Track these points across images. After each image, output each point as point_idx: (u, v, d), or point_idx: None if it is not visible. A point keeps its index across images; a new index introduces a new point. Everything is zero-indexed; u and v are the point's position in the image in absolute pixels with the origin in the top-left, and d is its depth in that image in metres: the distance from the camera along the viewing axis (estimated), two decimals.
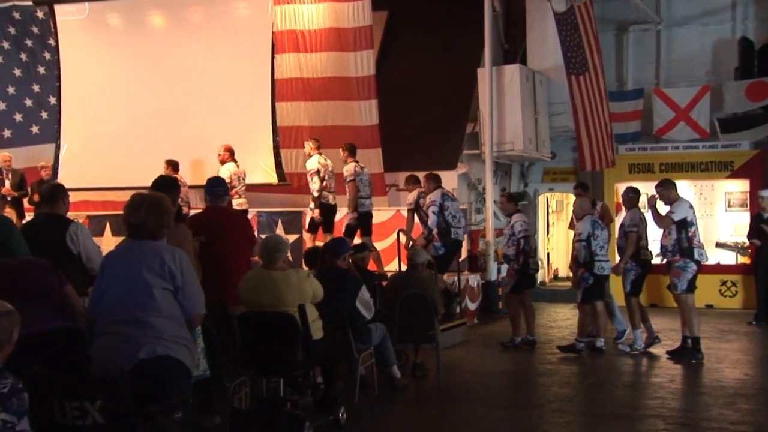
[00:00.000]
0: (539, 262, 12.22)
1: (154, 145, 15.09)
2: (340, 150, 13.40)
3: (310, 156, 13.35)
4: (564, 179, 18.29)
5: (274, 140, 15.31)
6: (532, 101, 16.59)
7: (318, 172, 13.07)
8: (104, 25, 16.67)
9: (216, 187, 8.09)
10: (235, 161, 13.89)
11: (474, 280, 14.48)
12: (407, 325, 9.17)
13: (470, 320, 13.71)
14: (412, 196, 13.40)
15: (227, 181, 13.02)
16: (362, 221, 13.12)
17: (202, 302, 5.17)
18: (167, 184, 7.21)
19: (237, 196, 13.49)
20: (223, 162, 13.87)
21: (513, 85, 16.10)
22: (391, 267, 13.47)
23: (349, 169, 13.04)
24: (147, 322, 4.88)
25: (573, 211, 12.14)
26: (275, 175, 15.26)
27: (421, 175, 13.13)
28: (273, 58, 15.55)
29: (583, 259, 11.16)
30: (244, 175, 13.96)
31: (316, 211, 13.10)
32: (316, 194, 13.06)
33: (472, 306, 14.22)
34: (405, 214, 13.85)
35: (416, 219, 13.43)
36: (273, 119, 15.40)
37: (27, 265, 5.39)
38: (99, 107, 16.36)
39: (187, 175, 14.48)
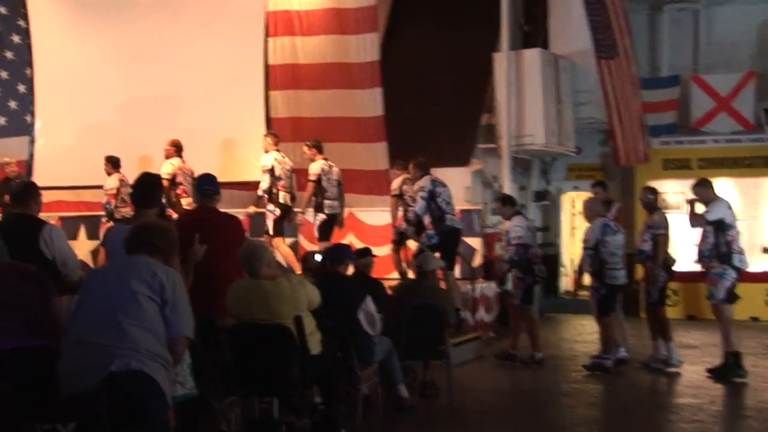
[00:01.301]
0: (545, 270, 12.28)
1: (135, 139, 15.11)
2: (305, 147, 13.75)
3: (266, 152, 13.59)
4: (590, 176, 18.23)
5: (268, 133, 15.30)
6: (555, 89, 16.60)
7: (272, 170, 13.30)
8: (80, 5, 16.68)
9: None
10: (181, 157, 14.06)
11: (489, 288, 14.46)
12: (415, 338, 9.18)
13: (485, 333, 13.73)
14: (397, 182, 13.54)
15: (166, 177, 13.36)
16: (329, 225, 13.30)
17: (191, 325, 5.18)
18: (152, 183, 7.22)
19: (185, 195, 13.60)
20: (168, 157, 14.04)
21: (533, 72, 16.12)
22: (396, 275, 13.49)
23: (315, 167, 13.36)
24: (124, 331, 4.88)
25: (582, 212, 12.18)
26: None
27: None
28: (266, 41, 15.55)
29: (588, 268, 11.19)
30: (192, 172, 14.01)
31: (320, 217, 13.30)
32: (260, 193, 13.36)
33: (487, 317, 14.22)
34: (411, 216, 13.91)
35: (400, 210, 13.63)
36: (266, 110, 15.42)
37: (8, 271, 5.40)
38: (74, 96, 16.36)
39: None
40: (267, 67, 15.56)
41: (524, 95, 16.14)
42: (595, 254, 11.13)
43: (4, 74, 17.55)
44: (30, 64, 16.83)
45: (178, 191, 13.68)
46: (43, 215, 7.32)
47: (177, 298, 5.09)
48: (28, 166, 16.45)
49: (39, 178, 15.36)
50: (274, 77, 15.77)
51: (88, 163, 15.40)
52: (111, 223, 14.20)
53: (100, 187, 14.70)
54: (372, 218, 14.92)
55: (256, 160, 14.35)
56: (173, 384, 5.22)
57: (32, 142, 16.74)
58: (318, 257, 9.75)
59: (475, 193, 16.23)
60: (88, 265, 13.99)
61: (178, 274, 5.26)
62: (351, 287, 8.39)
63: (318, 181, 13.37)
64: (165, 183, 13.37)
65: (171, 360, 5.04)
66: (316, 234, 13.45)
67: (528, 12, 18.44)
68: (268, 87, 15.55)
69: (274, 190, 13.37)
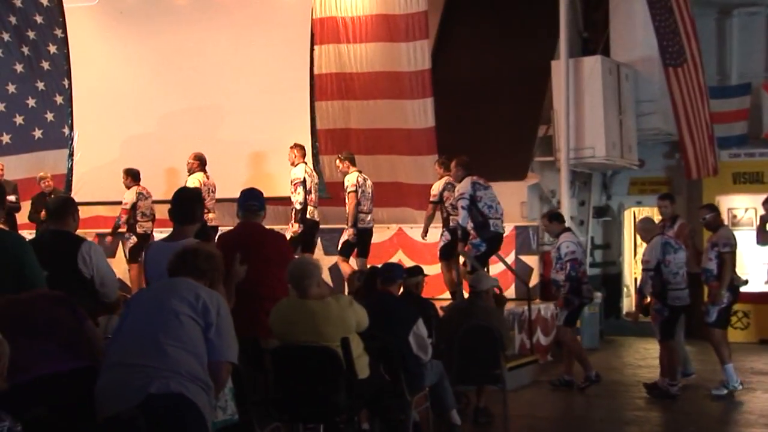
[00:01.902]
0: (592, 290, 12.30)
1: (176, 152, 15.20)
2: (337, 160, 13.85)
3: (294, 165, 13.61)
4: (654, 191, 18.10)
5: (313, 145, 15.33)
6: (616, 99, 16.50)
7: (303, 182, 13.29)
8: (118, 13, 16.82)
9: (249, 201, 8.07)
10: (204, 171, 14.13)
11: (547, 309, 14.38)
12: (468, 362, 9.16)
13: (542, 357, 13.66)
14: (437, 187, 13.45)
15: None
16: (360, 239, 13.31)
17: (235, 350, 5.21)
18: (192, 198, 7.25)
19: (208, 211, 13.69)
20: (191, 171, 14.13)
21: (593, 80, 16.04)
22: (447, 295, 13.47)
23: (351, 179, 13.36)
24: (165, 351, 4.91)
25: (637, 231, 12.15)
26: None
27: None
28: (312, 49, 15.61)
29: (649, 291, 11.13)
30: (214, 187, 14.09)
31: (351, 231, 13.31)
32: (298, 207, 13.31)
33: (544, 340, 14.15)
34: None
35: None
36: (312, 121, 15.47)
37: (38, 298, 5.49)
38: (113, 108, 16.43)
39: (216, 186, 14.60)
40: (313, 77, 15.58)
41: (584, 105, 16.06)
42: (656, 275, 11.06)
43: (41, 85, 17.76)
44: (68, 75, 16.93)
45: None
46: (80, 232, 7.40)
47: (221, 322, 5.11)
48: (66, 180, 16.58)
49: (77, 193, 15.58)
50: (321, 87, 15.82)
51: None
52: (111, 238, 14.49)
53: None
54: (434, 235, 14.94)
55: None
56: (214, 409, 5.25)
57: (70, 155, 16.83)
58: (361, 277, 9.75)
59: (531, 209, 16.17)
60: (126, 284, 14.12)
61: (222, 298, 5.30)
62: (402, 309, 8.38)
63: (356, 192, 13.40)
64: None
65: (212, 385, 5.06)
66: (338, 248, 13.44)
67: (587, 18, 18.36)
68: (314, 97, 15.55)
69: (308, 205, 13.41)
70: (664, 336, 11.25)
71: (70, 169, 16.72)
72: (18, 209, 15.08)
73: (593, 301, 12.97)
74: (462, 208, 12.24)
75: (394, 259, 13.47)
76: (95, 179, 15.89)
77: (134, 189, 14.63)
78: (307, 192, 13.36)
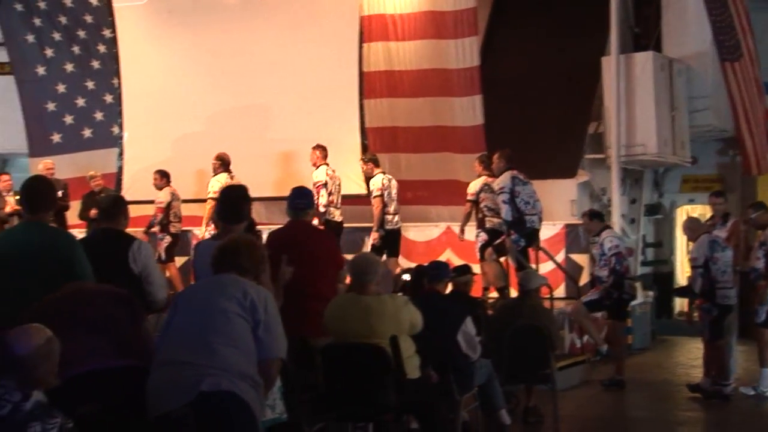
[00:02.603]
0: (635, 286, 12.36)
1: (226, 151, 15.28)
2: (361, 162, 14.12)
3: (316, 166, 13.78)
4: (707, 188, 17.89)
5: (362, 144, 15.38)
6: (669, 95, 16.37)
7: (325, 184, 13.44)
8: (167, 12, 16.94)
9: (296, 199, 8.10)
10: (229, 172, 14.25)
11: None
12: (517, 362, 9.14)
13: (593, 357, 13.59)
14: (474, 186, 13.42)
15: (213, 196, 13.68)
16: (388, 240, 13.35)
17: (284, 346, 5.25)
18: (240, 197, 7.30)
19: None
20: (215, 172, 14.30)
21: (645, 77, 15.93)
22: (496, 294, 13.46)
23: (376, 182, 13.60)
24: (215, 350, 4.96)
25: (683, 231, 12.10)
26: (363, 185, 15.32)
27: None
28: (360, 47, 15.64)
29: (699, 288, 11.04)
30: None
31: (376, 235, 13.45)
32: (322, 209, 13.39)
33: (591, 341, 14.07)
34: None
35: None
36: (361, 119, 15.51)
37: (100, 293, 5.57)
38: (162, 107, 16.58)
39: (267, 186, 14.68)
40: (362, 75, 15.61)
41: (635, 102, 15.95)
42: (705, 273, 10.98)
43: (91, 84, 17.92)
44: (117, 74, 17.09)
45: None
46: (129, 230, 7.49)
47: (269, 319, 5.15)
48: (116, 179, 16.74)
49: (126, 192, 15.73)
50: (369, 85, 15.84)
51: (176, 177, 15.60)
52: (147, 237, 14.54)
53: (191, 201, 14.95)
54: (471, 233, 14.89)
55: (352, 173, 14.48)
56: (263, 407, 5.29)
57: (120, 154, 16.99)
58: (406, 276, 9.76)
59: (581, 207, 16.04)
60: (173, 283, 14.25)
61: (269, 294, 5.33)
62: (450, 307, 8.39)
63: (380, 196, 13.52)
64: (213, 203, 13.76)
65: (261, 382, 5.10)
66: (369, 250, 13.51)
67: (639, 13, 18.20)
68: (362, 95, 15.59)
69: (329, 207, 13.50)
70: (713, 335, 11.16)
71: (120, 168, 16.87)
72: (67, 208, 15.21)
73: (635, 297, 12.90)
74: (503, 203, 12.32)
75: (442, 258, 13.45)
76: (144, 178, 16.00)
77: (167, 189, 14.82)
78: (329, 193, 13.43)
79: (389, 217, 13.62)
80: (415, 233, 15.45)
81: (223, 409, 4.89)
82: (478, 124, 15.45)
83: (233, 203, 7.18)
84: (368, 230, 14.94)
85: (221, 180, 14.06)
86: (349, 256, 8.16)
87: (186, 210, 15.20)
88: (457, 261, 12.98)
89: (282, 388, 5.65)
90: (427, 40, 15.79)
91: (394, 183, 13.82)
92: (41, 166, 15.52)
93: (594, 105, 16.69)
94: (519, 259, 12.34)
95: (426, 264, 9.50)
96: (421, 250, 14.82)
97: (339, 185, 13.99)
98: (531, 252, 13.22)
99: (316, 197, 13.31)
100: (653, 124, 15.84)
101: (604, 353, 12.09)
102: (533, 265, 12.92)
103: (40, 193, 6.38)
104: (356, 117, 15.50)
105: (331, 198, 13.55)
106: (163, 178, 14.96)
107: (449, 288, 9.36)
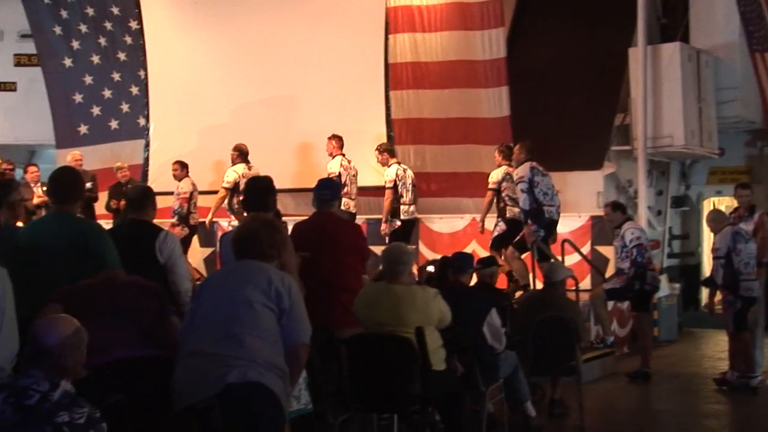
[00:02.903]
0: (657, 277, 12.38)
1: (251, 142, 15.32)
2: (376, 152, 14.01)
3: (332, 156, 13.89)
4: (734, 180, 17.82)
5: (388, 135, 15.39)
6: (696, 86, 16.31)
7: (339, 175, 13.52)
8: (193, 3, 17.00)
9: (321, 190, 8.13)
10: (247, 162, 14.29)
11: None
12: (543, 354, 9.14)
13: (619, 349, 13.56)
14: (496, 175, 13.29)
15: (227, 185, 13.85)
16: (405, 230, 13.37)
17: (308, 331, 5.24)
18: (265, 188, 7.33)
19: None
20: (233, 163, 14.34)
21: (672, 68, 15.88)
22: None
23: (390, 173, 13.60)
24: (242, 341, 4.97)
25: (706, 223, 12.07)
26: None
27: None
28: (386, 39, 15.64)
29: (722, 280, 11.00)
30: None
31: (385, 226, 13.52)
32: None
33: (621, 332, 14.06)
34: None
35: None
36: (387, 111, 15.52)
37: (129, 284, 5.63)
38: (188, 98, 16.62)
39: (292, 177, 14.70)
40: (388, 66, 15.61)
41: (662, 93, 15.90)
42: (727, 264, 10.95)
43: (117, 76, 17.95)
44: (143, 66, 17.15)
45: (241, 198, 13.94)
46: (156, 221, 7.54)
47: (293, 305, 5.16)
48: (142, 171, 16.81)
49: (153, 183, 15.79)
50: (395, 76, 15.85)
51: (202, 168, 15.67)
52: (180, 227, 14.56)
53: (215, 192, 15.01)
54: (490, 223, 14.90)
55: (378, 165, 14.48)
56: (289, 398, 5.31)
57: (146, 146, 17.06)
58: (430, 268, 9.76)
59: (607, 199, 15.98)
60: (201, 273, 14.30)
61: (292, 279, 5.34)
62: (475, 299, 8.39)
63: (394, 187, 13.48)
64: (224, 192, 13.99)
65: (287, 371, 5.11)
66: (387, 242, 13.50)
67: (666, 3, 18.15)
68: (388, 87, 15.59)
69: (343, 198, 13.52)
70: (737, 328, 11.12)
71: (146, 160, 16.93)
72: (96, 199, 15.31)
73: (657, 288, 12.88)
74: (522, 191, 12.25)
75: (468, 250, 13.43)
76: (170, 169, 16.07)
77: (188, 180, 14.88)
78: (343, 185, 13.48)
79: (405, 207, 13.62)
80: (441, 225, 15.43)
81: (250, 400, 4.89)
82: (505, 116, 15.44)
83: (258, 194, 7.21)
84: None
85: (238, 170, 14.15)
86: (374, 248, 8.18)
87: (211, 202, 15.24)
88: (482, 253, 12.97)
89: (307, 379, 5.67)
90: (454, 31, 15.78)
91: (409, 173, 13.81)
92: (70, 157, 15.57)
93: (621, 96, 16.65)
94: (541, 247, 12.32)
95: (450, 255, 9.51)
96: (447, 242, 14.80)
97: (354, 176, 14.03)
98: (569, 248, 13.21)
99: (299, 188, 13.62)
100: (680, 115, 15.79)
101: (609, 344, 12.07)
102: (558, 257, 12.90)
103: (68, 185, 6.42)
104: (382, 108, 15.51)
105: (345, 189, 13.55)
106: (183, 168, 15.01)
107: (474, 280, 9.36)
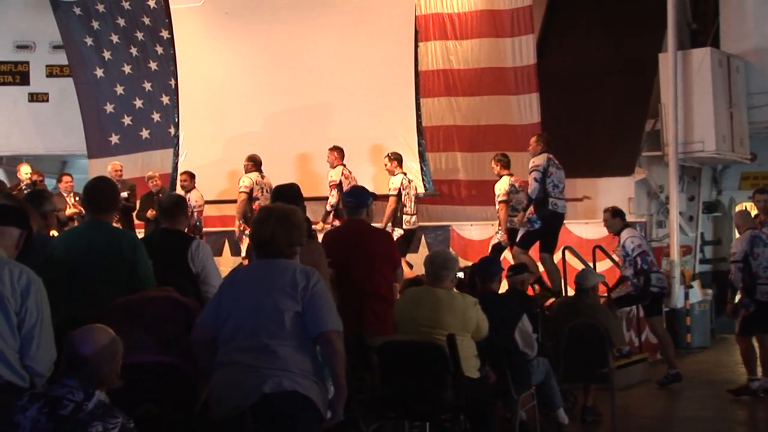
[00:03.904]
0: (664, 278, 12.35)
1: (281, 151, 15.38)
2: (386, 159, 14.07)
3: (333, 167, 14.05)
4: None
5: (419, 143, 15.37)
6: (727, 91, 16.21)
7: (339, 184, 13.59)
8: (223, 13, 17.02)
9: (347, 198, 8.15)
10: (260, 171, 14.36)
11: None
12: (575, 361, 9.11)
13: (652, 356, 13.50)
14: (503, 187, 13.11)
15: (244, 190, 13.86)
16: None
17: (336, 319, 5.18)
18: (293, 195, 7.33)
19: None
20: (246, 171, 14.39)
21: (703, 73, 15.78)
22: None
23: (395, 182, 13.68)
24: (275, 352, 4.98)
25: (734, 222, 12.05)
26: (421, 184, 15.35)
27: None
28: (416, 46, 15.65)
29: (738, 284, 10.98)
30: (270, 186, 14.20)
31: (398, 232, 13.51)
32: (329, 208, 13.80)
33: (654, 338, 13.97)
34: (572, 229, 13.78)
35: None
36: (417, 118, 15.51)
37: (159, 297, 5.69)
38: (218, 107, 16.64)
39: (322, 185, 14.72)
40: (418, 74, 15.61)
41: (693, 98, 15.82)
42: (745, 268, 10.93)
43: (148, 86, 18.06)
44: (174, 75, 17.20)
45: (254, 206, 14.00)
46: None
47: (315, 295, 5.11)
48: (171, 179, 16.86)
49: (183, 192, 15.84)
50: (426, 84, 15.86)
51: (231, 177, 15.73)
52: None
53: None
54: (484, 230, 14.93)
55: (409, 172, 14.49)
56: (326, 403, 5.30)
57: (176, 155, 17.12)
58: (460, 274, 9.73)
59: (639, 205, 15.98)
60: None
61: (316, 271, 5.30)
62: (506, 305, 8.36)
63: (398, 195, 13.54)
64: (243, 196, 13.96)
65: (323, 375, 5.09)
66: None
67: (696, 8, 18.04)
68: (419, 94, 15.59)
69: (340, 206, 13.53)
70: (743, 331, 11.14)
71: (175, 168, 16.98)
72: (134, 209, 15.37)
73: (666, 288, 12.81)
74: (535, 180, 12.26)
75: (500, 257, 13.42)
76: (199, 178, 16.13)
77: (197, 192, 15.02)
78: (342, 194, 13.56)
79: (407, 217, 13.70)
80: (472, 232, 15.41)
81: (286, 408, 4.93)
82: (535, 122, 15.42)
83: (287, 201, 7.20)
84: (425, 229, 15.02)
85: (252, 177, 14.26)
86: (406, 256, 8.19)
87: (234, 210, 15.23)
88: (512, 260, 12.93)
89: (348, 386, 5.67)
90: (484, 38, 15.80)
91: (414, 185, 14.01)
92: (110, 167, 15.69)
93: (651, 102, 16.57)
94: (503, 243, 12.66)
95: (477, 263, 9.48)
96: (478, 249, 14.75)
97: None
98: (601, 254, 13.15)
99: (329, 195, 13.88)
100: (711, 120, 15.71)
101: (625, 353, 12.00)
102: (590, 263, 12.85)
103: (102, 194, 6.46)
104: (412, 116, 15.47)
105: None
106: (192, 179, 15.15)
107: (504, 287, 9.34)
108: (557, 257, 13.42)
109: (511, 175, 13.09)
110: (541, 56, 16.27)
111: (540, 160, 12.32)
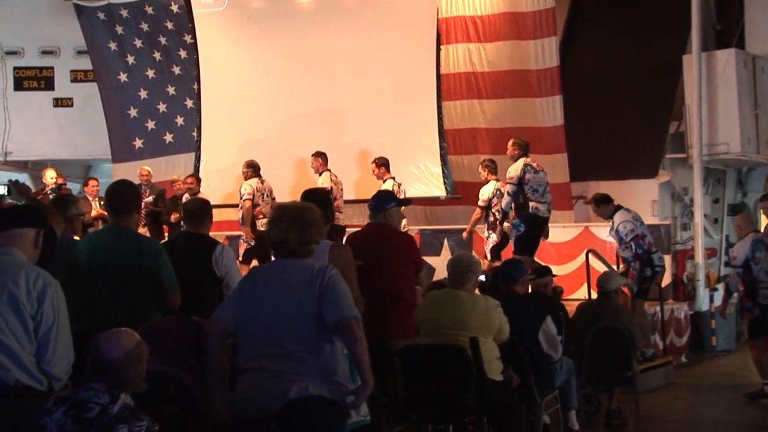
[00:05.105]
0: (662, 257, 12.31)
1: (302, 155, 15.42)
2: (373, 165, 14.15)
3: (319, 173, 14.22)
4: None
5: (441, 146, 15.42)
6: (752, 93, 16.17)
7: (331, 190, 13.61)
8: (245, 18, 17.12)
9: (370, 202, 8.19)
10: (259, 177, 14.32)
11: (681, 310, 14.23)
12: (599, 364, 9.10)
13: (676, 359, 13.47)
14: (487, 192, 13.37)
15: (248, 197, 13.87)
16: None
17: (353, 307, 5.11)
18: (322, 199, 7.33)
19: (261, 216, 13.92)
20: (246, 178, 14.38)
21: (727, 74, 15.74)
22: (579, 295, 13.39)
23: (387, 188, 13.48)
24: (299, 358, 4.98)
25: (736, 226, 12.02)
26: (443, 187, 15.39)
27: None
28: (438, 49, 15.69)
29: (735, 288, 11.02)
30: (269, 192, 14.26)
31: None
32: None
33: (679, 342, 13.96)
34: (595, 232, 13.78)
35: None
36: (439, 122, 15.54)
37: (176, 321, 5.73)
38: (240, 111, 16.75)
39: (346, 189, 14.75)
40: (440, 77, 15.65)
41: (717, 100, 15.78)
42: (746, 272, 10.96)
43: (172, 90, 18.15)
44: (197, 79, 17.29)
45: (255, 212, 14.04)
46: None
47: (329, 287, 5.05)
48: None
49: (204, 196, 15.88)
50: (447, 87, 15.90)
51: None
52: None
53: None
54: (552, 235, 14.82)
55: (431, 176, 14.52)
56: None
57: (198, 158, 17.19)
58: (481, 278, 9.74)
59: (662, 207, 15.95)
60: None
61: (331, 266, 5.28)
62: (529, 307, 8.36)
63: None
64: (248, 204, 13.98)
65: (348, 375, 5.08)
66: None
67: (721, 9, 17.98)
68: (440, 97, 15.63)
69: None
70: (752, 335, 11.14)
71: (197, 172, 17.04)
72: (162, 214, 15.32)
73: (664, 267, 12.75)
74: (508, 194, 12.37)
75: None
76: (222, 182, 16.21)
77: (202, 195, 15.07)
78: (334, 198, 13.58)
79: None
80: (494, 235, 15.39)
81: (312, 413, 4.93)
82: (559, 125, 15.43)
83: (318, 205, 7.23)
84: (446, 233, 15.03)
85: (252, 184, 14.21)
86: (428, 259, 8.20)
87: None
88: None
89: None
90: (507, 41, 15.82)
91: (403, 189, 14.01)
92: (139, 172, 15.76)
93: (675, 104, 16.54)
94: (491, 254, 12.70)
95: (500, 265, 9.49)
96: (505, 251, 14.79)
97: (342, 190, 14.27)
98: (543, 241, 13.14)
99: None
100: (736, 122, 15.67)
101: (648, 356, 11.95)
102: (613, 266, 12.83)
103: (123, 197, 6.51)
104: (434, 119, 15.53)
105: (336, 203, 13.66)
106: (198, 183, 15.19)
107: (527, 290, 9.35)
108: (581, 260, 13.46)
109: (498, 180, 13.15)
110: (564, 58, 16.28)
111: (515, 170, 12.37)
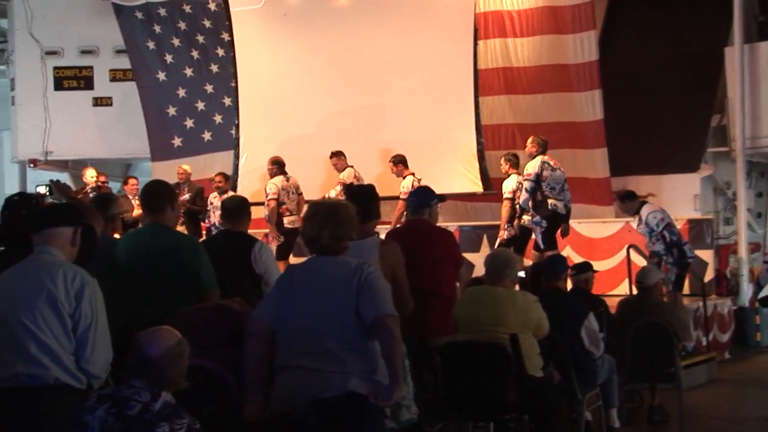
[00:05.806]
0: (691, 247, 12.23)
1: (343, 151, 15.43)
2: (390, 164, 14.21)
3: (342, 169, 14.47)
4: None
5: (478, 142, 15.42)
6: None
7: (350, 185, 13.56)
8: (282, 15, 17.15)
9: (409, 198, 8.21)
10: (284, 173, 14.37)
11: (724, 305, 14.12)
12: (641, 360, 9.05)
13: (720, 355, 13.37)
14: (510, 186, 13.32)
15: (273, 197, 13.82)
16: None
17: (389, 304, 5.08)
18: (368, 195, 7.32)
19: (288, 213, 14.02)
20: (272, 176, 14.41)
21: None
22: (620, 290, 13.32)
23: (406, 184, 13.74)
24: (338, 356, 4.98)
25: None
26: (480, 183, 15.36)
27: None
28: (476, 45, 15.66)
29: (764, 282, 10.98)
30: (297, 188, 14.30)
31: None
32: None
33: (722, 337, 13.86)
34: (636, 226, 13.68)
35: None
36: (476, 117, 15.52)
37: (214, 309, 5.70)
38: (277, 109, 16.76)
39: (383, 186, 14.74)
40: (477, 72, 15.63)
41: (760, 92, 15.67)
42: None
43: (210, 88, 18.20)
44: (235, 77, 17.33)
45: (281, 210, 14.05)
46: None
47: (366, 284, 5.04)
48: (233, 181, 16.99)
49: (242, 193, 15.94)
50: (485, 82, 15.87)
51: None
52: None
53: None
54: (592, 230, 14.78)
55: (468, 171, 14.48)
56: (399, 408, 5.32)
57: (236, 156, 17.26)
58: (521, 273, 9.71)
59: (705, 202, 15.85)
60: None
61: (370, 264, 5.24)
62: (572, 303, 8.35)
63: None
64: (273, 203, 13.97)
65: (386, 372, 5.00)
66: None
67: (763, 0, 17.82)
68: (478, 93, 15.60)
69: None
70: None
71: (236, 170, 17.11)
72: (200, 212, 15.45)
73: (694, 256, 12.68)
74: (525, 190, 12.48)
75: (562, 254, 13.39)
76: (259, 180, 16.25)
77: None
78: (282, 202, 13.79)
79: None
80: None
81: (350, 411, 4.93)
82: (598, 119, 15.37)
83: (361, 202, 7.21)
84: (485, 228, 14.98)
85: (277, 182, 14.23)
86: (467, 255, 8.18)
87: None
88: (576, 258, 12.87)
89: (414, 388, 5.70)
90: (545, 35, 15.78)
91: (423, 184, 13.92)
92: (177, 170, 15.84)
93: (717, 97, 16.41)
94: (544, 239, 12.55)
95: (543, 261, 9.46)
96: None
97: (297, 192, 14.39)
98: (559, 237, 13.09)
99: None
100: None
101: (689, 350, 11.88)
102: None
103: (156, 195, 6.52)
104: (471, 115, 15.52)
105: (286, 206, 13.84)
106: (227, 180, 15.26)
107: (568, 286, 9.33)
108: (621, 256, 13.40)
109: (519, 174, 13.10)
110: (604, 52, 16.17)
111: (532, 167, 12.50)
